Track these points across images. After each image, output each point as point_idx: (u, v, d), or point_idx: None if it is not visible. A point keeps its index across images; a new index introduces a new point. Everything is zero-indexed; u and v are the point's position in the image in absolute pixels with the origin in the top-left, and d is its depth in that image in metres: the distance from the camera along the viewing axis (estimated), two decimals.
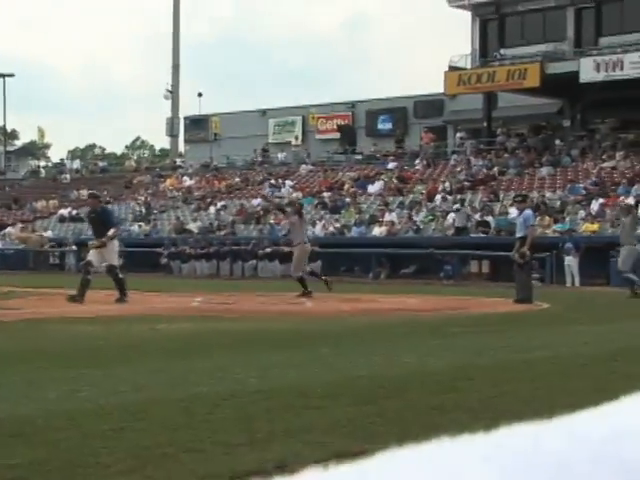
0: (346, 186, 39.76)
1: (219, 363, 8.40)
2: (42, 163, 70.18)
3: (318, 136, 51.39)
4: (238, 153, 49.70)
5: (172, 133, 57.53)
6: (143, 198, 44.99)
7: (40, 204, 48.29)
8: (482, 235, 31.09)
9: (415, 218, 33.82)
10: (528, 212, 18.56)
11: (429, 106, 47.38)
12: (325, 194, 39.13)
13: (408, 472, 0.69)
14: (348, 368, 8.13)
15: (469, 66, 41.09)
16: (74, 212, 43.72)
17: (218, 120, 54.67)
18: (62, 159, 65.33)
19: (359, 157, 45.91)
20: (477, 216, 32.36)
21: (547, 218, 30.19)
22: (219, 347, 9.92)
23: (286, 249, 30.29)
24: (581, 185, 33.63)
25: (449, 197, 34.87)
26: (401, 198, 36.77)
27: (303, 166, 45.27)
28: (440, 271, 30.02)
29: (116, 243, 17.95)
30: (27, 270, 36.36)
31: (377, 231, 33.60)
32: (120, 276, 17.30)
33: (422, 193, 36.51)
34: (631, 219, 21.08)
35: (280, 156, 48.40)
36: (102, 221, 17.63)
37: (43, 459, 4.56)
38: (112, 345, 9.99)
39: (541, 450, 0.70)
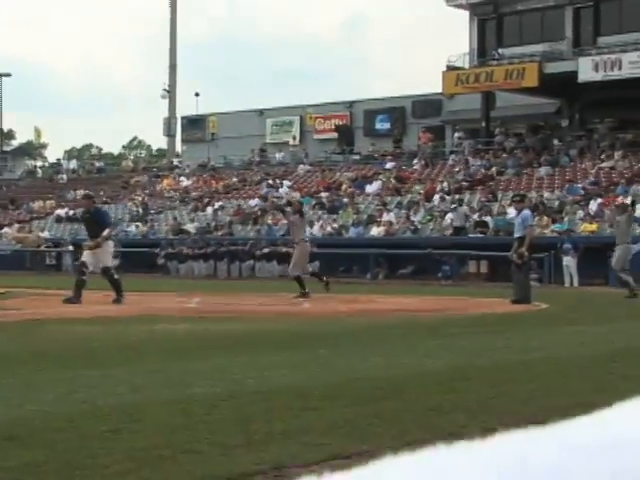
0: (344, 186, 39.71)
1: (217, 364, 8.39)
2: (39, 163, 70.01)
3: (316, 136, 51.34)
4: (235, 153, 49.64)
5: (169, 133, 57.52)
6: (140, 198, 44.93)
7: (37, 204, 48.20)
8: (480, 235, 31.09)
9: (413, 218, 33.80)
10: (526, 212, 18.54)
11: (427, 106, 47.32)
12: (323, 194, 39.10)
13: (406, 479, 0.69)
14: (346, 369, 8.13)
15: (467, 66, 41.04)
16: (71, 212, 43.52)
17: (215, 120, 54.61)
18: (59, 159, 65.12)
19: (357, 157, 45.83)
20: (475, 216, 32.35)
21: (545, 218, 30.18)
22: (217, 348, 9.91)
23: (284, 249, 30.29)
24: (579, 185, 33.62)
25: (447, 197, 34.85)
26: (399, 198, 36.73)
27: (301, 166, 45.21)
28: (438, 271, 29.99)
29: (110, 244, 17.95)
30: (24, 270, 36.30)
31: (375, 231, 33.58)
32: (115, 277, 17.27)
33: (420, 193, 36.48)
34: (626, 217, 21.03)
35: (278, 156, 48.33)
36: (96, 222, 17.63)
37: (40, 461, 4.55)
38: (109, 346, 9.98)
39: (538, 457, 0.69)
